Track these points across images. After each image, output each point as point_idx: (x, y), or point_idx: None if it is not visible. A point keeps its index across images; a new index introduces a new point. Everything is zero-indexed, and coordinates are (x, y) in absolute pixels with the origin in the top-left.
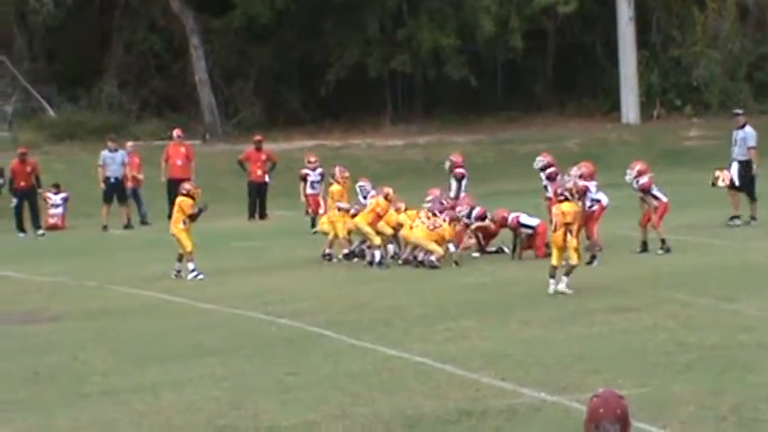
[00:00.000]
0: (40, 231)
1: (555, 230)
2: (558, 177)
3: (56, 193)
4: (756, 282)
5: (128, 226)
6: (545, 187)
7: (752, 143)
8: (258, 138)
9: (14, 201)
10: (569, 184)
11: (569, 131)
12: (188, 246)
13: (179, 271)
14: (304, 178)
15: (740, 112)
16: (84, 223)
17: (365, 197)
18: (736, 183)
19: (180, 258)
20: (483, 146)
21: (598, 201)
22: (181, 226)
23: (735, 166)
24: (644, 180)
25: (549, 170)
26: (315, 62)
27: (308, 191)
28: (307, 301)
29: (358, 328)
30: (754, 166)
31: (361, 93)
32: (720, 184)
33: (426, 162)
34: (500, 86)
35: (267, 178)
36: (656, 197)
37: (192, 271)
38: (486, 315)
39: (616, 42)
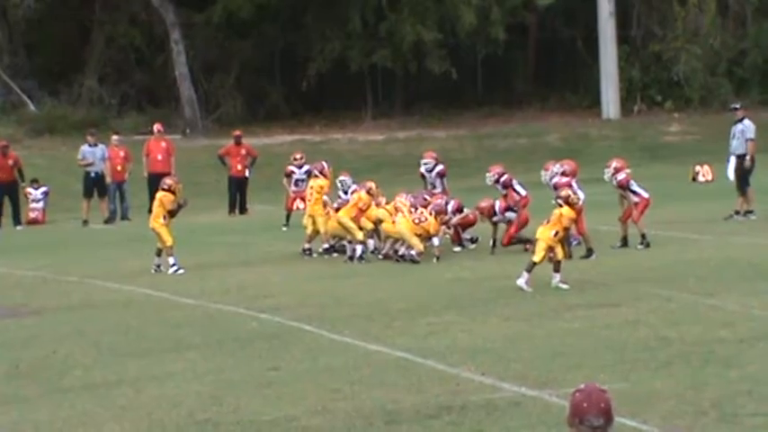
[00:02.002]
0: (19, 227)
1: (547, 227)
2: (514, 182)
3: (36, 188)
4: (736, 277)
5: (108, 220)
6: (504, 196)
7: (751, 135)
8: (237, 133)
9: None
10: (563, 193)
11: (550, 126)
12: (168, 240)
13: (159, 265)
14: (289, 175)
15: (738, 106)
16: (64, 218)
17: (346, 192)
18: (730, 177)
19: (159, 253)
20: (463, 140)
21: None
22: (161, 221)
23: (732, 161)
24: (621, 177)
25: (502, 179)
26: (296, 56)
27: (293, 188)
28: (287, 296)
29: (339, 323)
30: (747, 158)
31: (342, 87)
32: (701, 179)
33: (406, 157)
34: (480, 81)
35: (247, 173)
36: (635, 193)
37: (173, 266)
38: (467, 310)
39: (597, 37)
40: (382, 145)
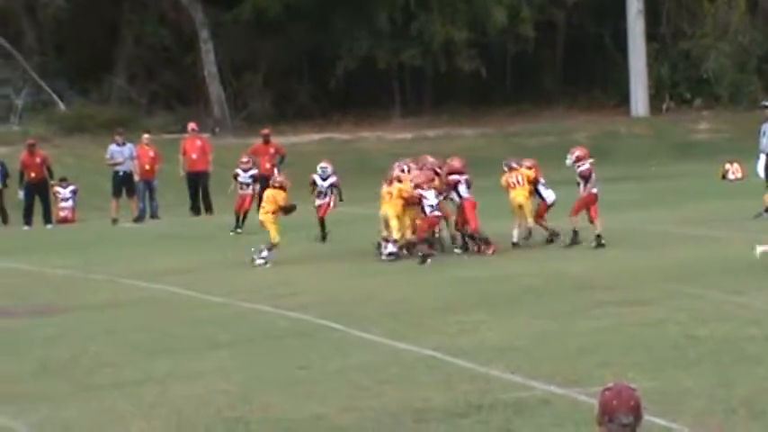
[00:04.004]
0: (50, 226)
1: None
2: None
3: (64, 187)
4: (765, 275)
5: (138, 218)
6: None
7: None
8: (265, 131)
9: (20, 193)
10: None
11: (578, 124)
12: (275, 237)
13: (265, 261)
14: (235, 177)
15: (767, 104)
16: (94, 216)
17: (324, 179)
18: (761, 175)
19: (271, 248)
20: (491, 139)
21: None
22: (271, 216)
23: (762, 159)
24: (584, 166)
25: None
26: (324, 55)
27: (239, 191)
28: (315, 295)
29: (367, 322)
30: None
31: (370, 85)
32: (731, 176)
33: (435, 155)
34: (509, 79)
35: (276, 171)
36: (584, 186)
37: (263, 259)
38: (495, 308)
39: (626, 35)
40: (411, 143)
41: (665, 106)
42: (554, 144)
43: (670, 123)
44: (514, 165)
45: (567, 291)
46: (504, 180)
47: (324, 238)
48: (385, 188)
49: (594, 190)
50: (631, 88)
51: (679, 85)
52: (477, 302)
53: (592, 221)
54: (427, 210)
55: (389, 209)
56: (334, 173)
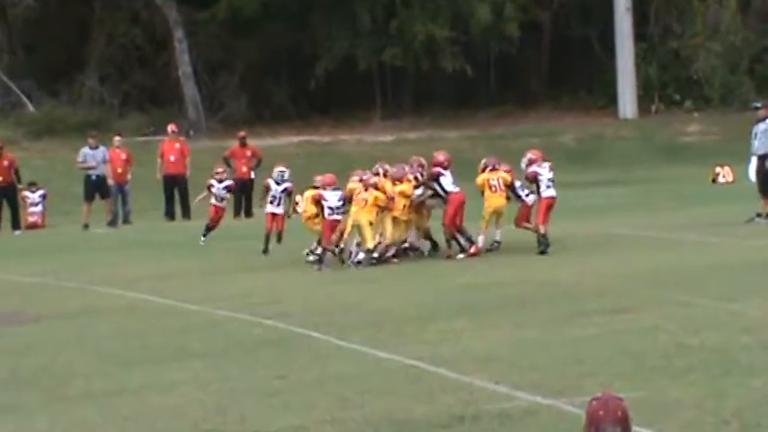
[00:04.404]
0: (18, 232)
1: None
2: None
3: (33, 191)
4: (758, 282)
5: (111, 222)
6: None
7: None
8: (242, 134)
9: None
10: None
11: (564, 126)
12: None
13: (320, 259)
14: (209, 188)
15: (759, 104)
16: (64, 222)
17: (279, 183)
18: (752, 178)
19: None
20: (474, 141)
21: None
22: (315, 219)
23: (754, 162)
24: (529, 170)
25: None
26: (302, 55)
27: (213, 201)
28: (294, 303)
29: (347, 330)
30: None
31: (350, 87)
32: (721, 180)
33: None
34: (493, 80)
35: (253, 175)
36: (536, 191)
37: (317, 258)
38: (479, 316)
39: (613, 34)
40: (392, 146)
41: (653, 108)
42: (539, 147)
43: (659, 125)
44: (497, 165)
45: (552, 298)
46: (481, 180)
47: (266, 251)
48: (359, 192)
49: (552, 193)
50: (619, 89)
51: (668, 86)
52: (460, 310)
53: (519, 225)
54: (326, 212)
55: (363, 216)
56: (291, 179)
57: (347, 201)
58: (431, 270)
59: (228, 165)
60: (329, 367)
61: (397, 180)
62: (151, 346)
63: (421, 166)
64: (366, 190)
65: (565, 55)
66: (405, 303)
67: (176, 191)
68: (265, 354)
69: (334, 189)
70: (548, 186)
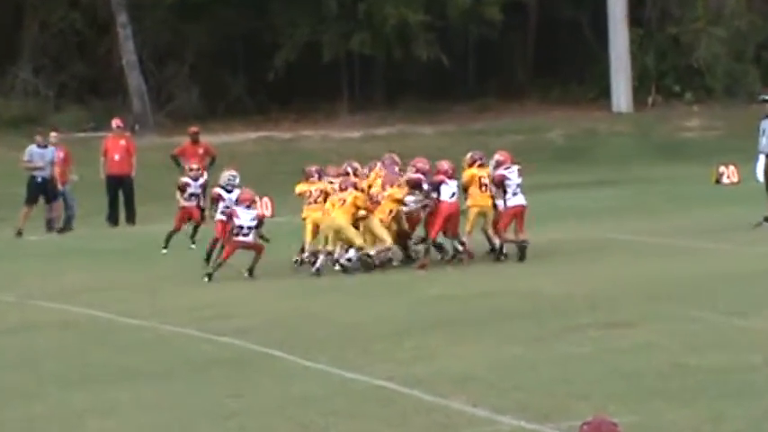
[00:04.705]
0: None
1: None
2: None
3: None
4: (765, 293)
5: (62, 229)
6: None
7: None
8: (194, 129)
9: None
10: None
11: (552, 121)
12: (358, 240)
13: (349, 259)
14: (183, 188)
15: (767, 97)
16: None
17: (230, 191)
18: (760, 179)
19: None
20: (452, 138)
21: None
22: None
23: (761, 160)
24: (499, 172)
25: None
26: (260, 42)
27: (184, 203)
28: (253, 317)
29: (312, 348)
30: None
31: (313, 77)
32: (725, 180)
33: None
34: (472, 70)
35: (206, 176)
36: (502, 197)
37: (348, 259)
38: (456, 332)
39: (605, 18)
40: (360, 143)
41: (650, 100)
42: (524, 144)
43: (656, 120)
44: (484, 161)
45: (537, 311)
46: (469, 176)
47: (207, 260)
48: (335, 193)
49: (520, 201)
50: (612, 80)
51: (666, 75)
52: (436, 325)
53: (497, 232)
54: (234, 230)
55: (342, 217)
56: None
57: (261, 222)
58: (404, 281)
59: (178, 164)
60: (291, 388)
61: (390, 185)
62: (93, 364)
63: (396, 164)
64: (343, 190)
65: (552, 41)
66: (374, 318)
67: (121, 192)
68: (219, 373)
69: (248, 206)
70: (515, 193)
